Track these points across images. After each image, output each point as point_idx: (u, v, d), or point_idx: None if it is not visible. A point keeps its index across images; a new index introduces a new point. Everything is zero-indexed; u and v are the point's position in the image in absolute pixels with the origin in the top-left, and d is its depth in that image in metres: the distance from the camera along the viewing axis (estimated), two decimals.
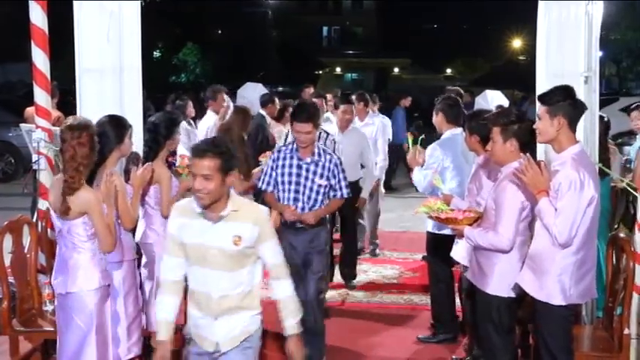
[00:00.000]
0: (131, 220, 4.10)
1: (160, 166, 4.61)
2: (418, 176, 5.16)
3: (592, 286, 3.69)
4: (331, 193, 4.76)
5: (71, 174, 3.56)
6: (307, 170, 4.69)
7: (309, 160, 4.69)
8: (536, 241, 3.66)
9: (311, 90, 9.97)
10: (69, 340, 3.65)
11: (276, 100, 8.63)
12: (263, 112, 8.20)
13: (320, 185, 4.68)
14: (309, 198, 4.69)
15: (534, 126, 3.68)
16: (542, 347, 3.68)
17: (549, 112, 3.57)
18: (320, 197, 4.72)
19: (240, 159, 5.29)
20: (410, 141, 5.19)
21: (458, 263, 4.86)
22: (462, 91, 8.24)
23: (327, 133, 6.04)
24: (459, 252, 4.55)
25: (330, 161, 4.71)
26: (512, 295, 3.84)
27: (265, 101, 8.46)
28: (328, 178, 4.69)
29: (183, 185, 4.83)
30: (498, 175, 3.95)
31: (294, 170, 4.71)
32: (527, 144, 3.81)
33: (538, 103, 3.71)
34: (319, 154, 4.72)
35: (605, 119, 5.76)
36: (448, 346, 5.31)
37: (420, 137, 5.15)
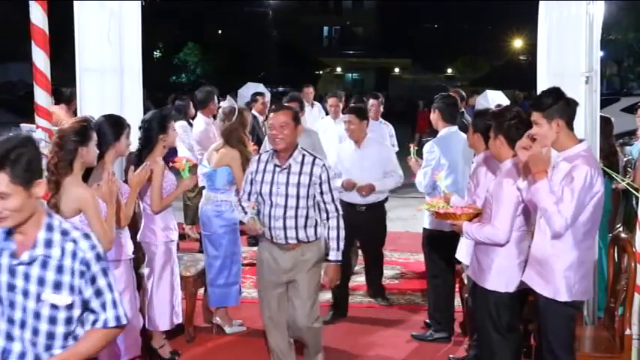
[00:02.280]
0: (126, 219, 4.10)
1: (155, 162, 4.60)
2: (419, 177, 5.35)
3: (591, 285, 3.71)
4: (90, 317, 2.49)
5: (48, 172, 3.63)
6: (26, 277, 2.44)
7: (26, 256, 2.44)
8: (538, 239, 3.67)
9: (310, 89, 9.99)
10: None
11: (263, 97, 8.68)
12: (254, 111, 8.19)
13: (55, 306, 2.43)
14: (35, 332, 2.45)
15: (531, 132, 3.66)
16: (544, 346, 3.69)
17: (546, 116, 3.58)
18: (60, 330, 2.46)
19: (244, 159, 5.28)
20: (412, 151, 5.50)
21: (460, 263, 4.86)
22: (464, 93, 8.23)
23: (314, 156, 4.20)
24: (464, 252, 4.55)
25: (74, 256, 2.43)
26: (510, 290, 3.86)
27: (251, 101, 8.51)
28: (73, 289, 2.44)
29: (183, 184, 4.83)
30: (497, 171, 4.00)
31: (5, 277, 2.47)
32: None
33: (533, 111, 3.68)
34: (48, 243, 2.44)
35: (613, 120, 5.80)
36: (450, 346, 5.30)
37: (417, 149, 5.55)
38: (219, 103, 7.19)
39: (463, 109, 8.01)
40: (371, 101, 7.63)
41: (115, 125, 4.16)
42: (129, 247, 4.23)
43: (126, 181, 4.31)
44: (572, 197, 3.45)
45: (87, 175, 3.87)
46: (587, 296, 3.86)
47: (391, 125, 7.86)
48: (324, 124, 8.07)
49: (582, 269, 3.58)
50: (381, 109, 7.72)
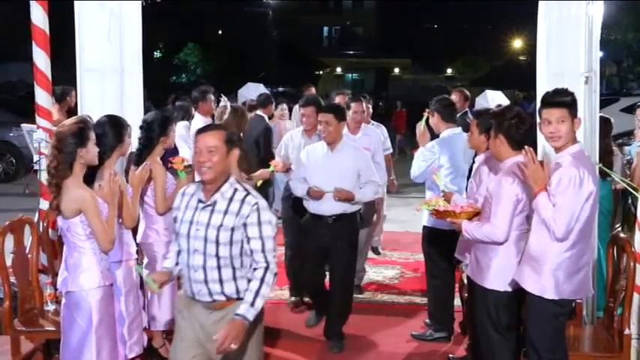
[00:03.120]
0: (132, 220, 4.11)
1: (155, 163, 4.61)
2: (414, 167, 5.30)
3: (587, 283, 3.70)
4: None
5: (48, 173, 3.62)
6: None
7: None
8: (533, 237, 3.70)
9: (312, 90, 9.96)
10: (71, 339, 3.65)
11: (272, 102, 8.66)
12: (261, 113, 8.15)
13: None
14: None
15: (550, 130, 3.62)
16: (528, 344, 3.71)
17: (571, 113, 3.61)
18: None
19: (240, 156, 5.27)
20: (424, 119, 5.39)
21: (460, 262, 4.87)
22: (468, 93, 8.18)
23: (247, 192, 3.29)
24: (461, 250, 4.55)
25: None
26: (509, 289, 3.86)
27: (264, 101, 8.45)
28: None
29: (181, 183, 4.84)
30: (498, 170, 4.02)
31: None
32: (520, 141, 3.83)
33: (552, 109, 3.60)
34: None
35: (612, 121, 5.80)
36: (450, 346, 5.31)
37: (428, 116, 5.40)
38: (217, 102, 7.19)
39: (467, 109, 7.97)
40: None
41: (117, 126, 4.17)
42: (132, 248, 4.24)
43: (127, 181, 4.31)
44: (564, 201, 3.47)
45: (92, 176, 3.88)
46: (579, 296, 3.86)
47: (383, 126, 7.37)
48: None
49: (573, 269, 3.59)
50: (370, 110, 7.09)
